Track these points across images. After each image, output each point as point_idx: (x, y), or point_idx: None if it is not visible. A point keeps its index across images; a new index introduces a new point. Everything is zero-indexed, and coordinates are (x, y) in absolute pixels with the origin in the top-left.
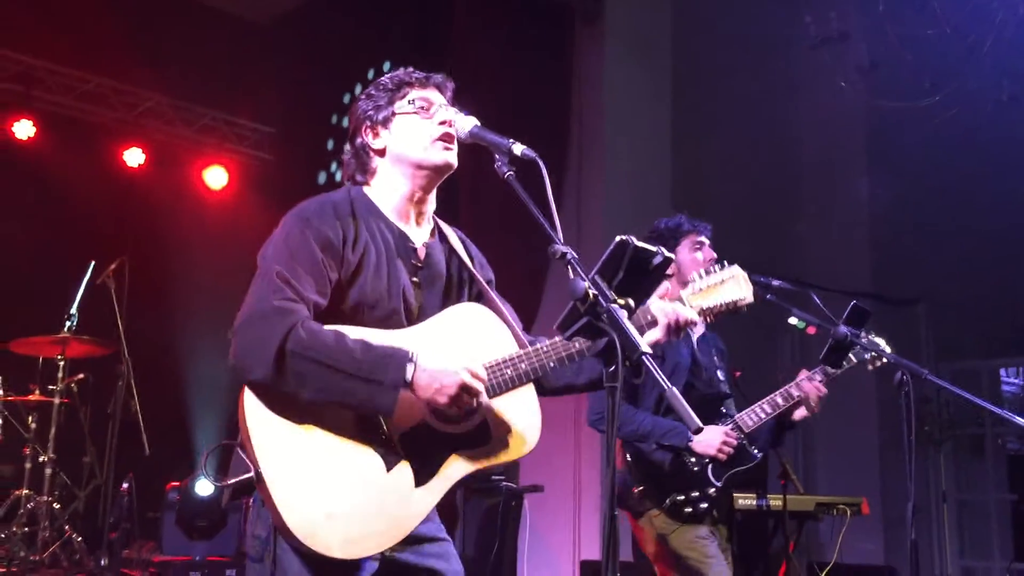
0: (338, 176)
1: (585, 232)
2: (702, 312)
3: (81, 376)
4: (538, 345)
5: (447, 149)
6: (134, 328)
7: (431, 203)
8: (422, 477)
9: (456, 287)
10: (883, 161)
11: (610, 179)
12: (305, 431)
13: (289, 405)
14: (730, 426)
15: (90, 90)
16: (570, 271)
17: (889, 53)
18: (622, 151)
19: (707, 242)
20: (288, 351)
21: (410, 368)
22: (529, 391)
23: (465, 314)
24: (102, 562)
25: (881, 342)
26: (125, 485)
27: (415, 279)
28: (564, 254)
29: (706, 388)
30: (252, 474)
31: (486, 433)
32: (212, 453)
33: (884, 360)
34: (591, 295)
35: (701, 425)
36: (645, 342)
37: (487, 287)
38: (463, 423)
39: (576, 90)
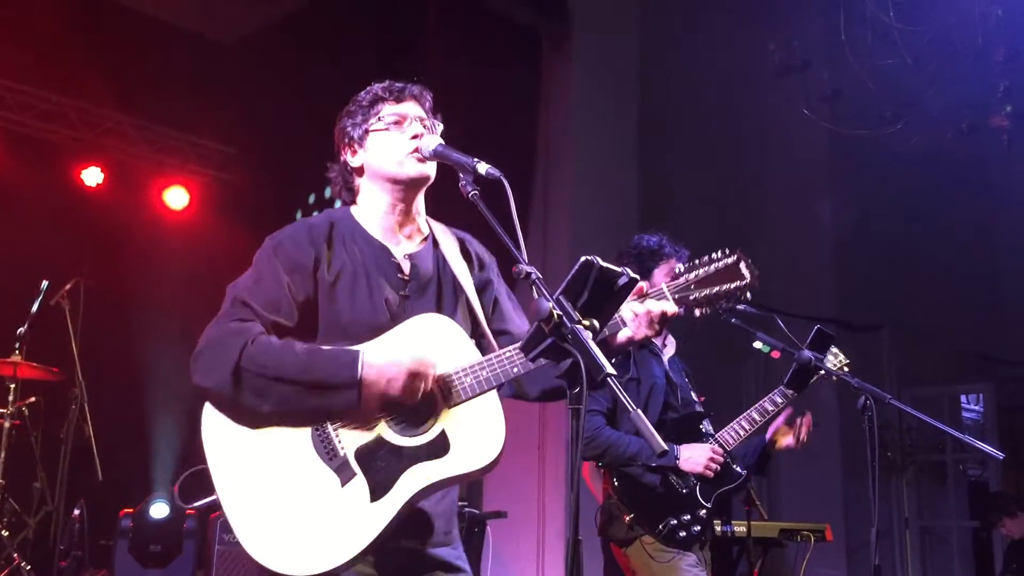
0: (315, 197)
1: (551, 252)
2: (694, 302)
3: (32, 399)
4: (501, 352)
5: (421, 161)
6: (89, 350)
7: (419, 212)
8: (378, 492)
9: (451, 295)
10: (846, 188)
11: (576, 200)
12: (259, 452)
13: (243, 427)
14: (713, 444)
15: (49, 108)
16: (534, 291)
17: (851, 82)
18: (588, 172)
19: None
20: (242, 368)
21: (359, 366)
22: (492, 399)
23: (425, 324)
24: None
25: (844, 361)
26: (76, 512)
27: (402, 292)
28: (528, 274)
29: (683, 408)
30: (215, 496)
31: (445, 444)
32: (183, 479)
33: (847, 367)
34: (555, 315)
35: (665, 447)
36: (609, 362)
37: (472, 293)
38: (420, 434)
39: (543, 112)
